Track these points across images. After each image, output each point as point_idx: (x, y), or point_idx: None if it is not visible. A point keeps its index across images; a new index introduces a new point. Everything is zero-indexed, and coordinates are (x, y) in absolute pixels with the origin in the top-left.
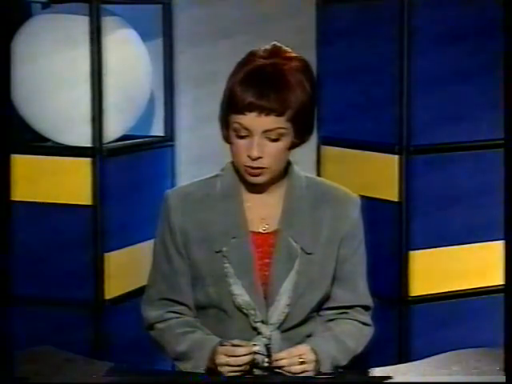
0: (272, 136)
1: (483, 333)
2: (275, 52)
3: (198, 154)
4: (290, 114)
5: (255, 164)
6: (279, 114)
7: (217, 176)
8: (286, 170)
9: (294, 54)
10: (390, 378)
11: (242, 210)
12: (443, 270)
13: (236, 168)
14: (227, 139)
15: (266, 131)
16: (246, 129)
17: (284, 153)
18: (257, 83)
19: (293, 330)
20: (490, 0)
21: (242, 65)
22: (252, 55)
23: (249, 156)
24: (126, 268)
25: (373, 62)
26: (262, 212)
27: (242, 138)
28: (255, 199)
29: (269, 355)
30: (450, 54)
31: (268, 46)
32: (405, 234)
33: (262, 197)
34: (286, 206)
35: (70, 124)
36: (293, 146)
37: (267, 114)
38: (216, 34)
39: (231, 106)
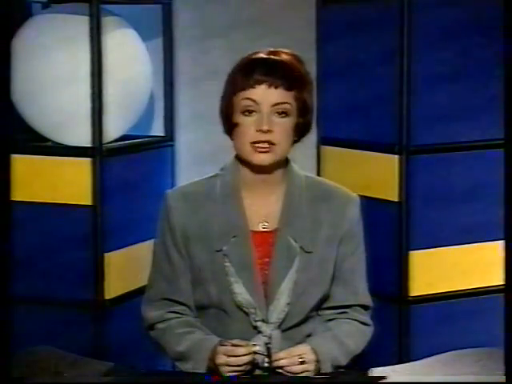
0: (280, 110)
1: (483, 333)
2: (273, 51)
3: (198, 154)
4: (295, 91)
5: (264, 138)
6: (287, 88)
7: (216, 175)
8: (285, 169)
9: (290, 53)
10: (389, 378)
11: (241, 209)
12: (443, 270)
13: (236, 167)
14: (231, 128)
15: (274, 105)
16: (255, 102)
17: (290, 132)
18: (263, 63)
19: (293, 329)
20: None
21: (241, 60)
22: (249, 53)
23: (259, 130)
24: (125, 268)
25: (373, 62)
26: (262, 211)
27: (249, 114)
28: (255, 198)
29: (269, 355)
30: (450, 54)
31: (263, 49)
32: (405, 234)
33: (261, 196)
34: (285, 205)
35: (69, 124)
36: (296, 128)
37: (276, 87)
38: (216, 33)
39: (238, 85)
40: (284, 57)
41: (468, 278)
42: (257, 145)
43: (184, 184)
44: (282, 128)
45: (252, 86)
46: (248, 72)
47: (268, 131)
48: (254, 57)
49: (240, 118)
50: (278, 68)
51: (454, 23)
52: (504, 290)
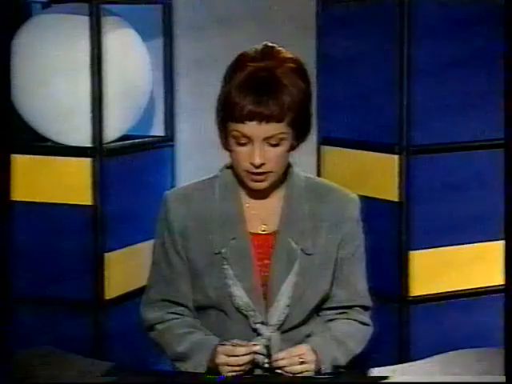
0: (273, 141)
1: (483, 333)
2: (267, 53)
3: (198, 154)
4: (289, 119)
5: (258, 170)
6: (279, 120)
7: (216, 177)
8: (285, 171)
9: (286, 55)
10: (389, 378)
11: (241, 211)
12: (443, 269)
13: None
14: (226, 146)
15: (266, 138)
16: (247, 137)
17: (285, 156)
18: (254, 90)
19: (292, 330)
20: None
21: (234, 69)
22: (243, 57)
23: (251, 163)
24: (125, 268)
25: (373, 62)
26: (262, 213)
27: (242, 145)
28: (254, 200)
29: (269, 355)
30: (451, 54)
31: (259, 47)
32: (405, 234)
33: (261, 198)
34: (285, 207)
35: (69, 124)
36: (292, 148)
37: (267, 122)
38: (216, 34)
39: (229, 115)
40: (279, 70)
41: (468, 278)
42: (252, 176)
43: (183, 185)
44: (275, 157)
45: (242, 121)
46: (239, 98)
47: (261, 164)
48: (245, 71)
49: (233, 146)
50: (270, 95)
51: (455, 23)
52: (504, 289)
